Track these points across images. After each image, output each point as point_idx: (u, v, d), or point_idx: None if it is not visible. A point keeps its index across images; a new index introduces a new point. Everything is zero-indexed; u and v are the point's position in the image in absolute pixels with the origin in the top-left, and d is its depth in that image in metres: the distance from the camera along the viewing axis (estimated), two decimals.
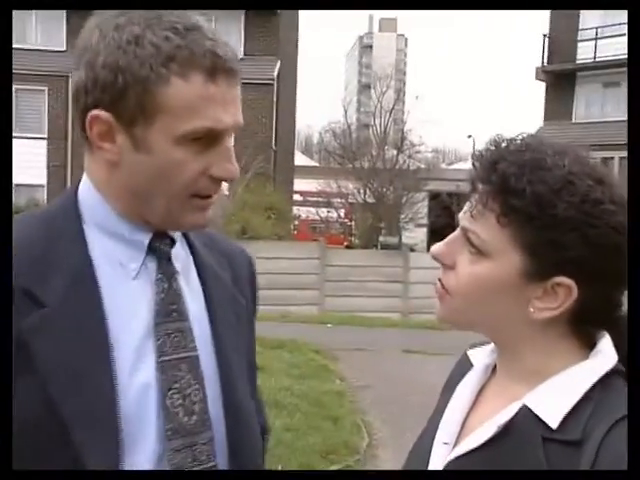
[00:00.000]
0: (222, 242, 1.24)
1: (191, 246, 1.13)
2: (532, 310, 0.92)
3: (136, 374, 0.98)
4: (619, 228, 0.89)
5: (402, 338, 9.21)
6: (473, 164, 0.97)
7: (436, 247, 0.99)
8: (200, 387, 1.03)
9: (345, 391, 6.55)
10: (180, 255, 1.09)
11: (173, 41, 0.92)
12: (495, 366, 1.04)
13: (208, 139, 0.96)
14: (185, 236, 1.12)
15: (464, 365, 1.10)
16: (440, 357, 6.65)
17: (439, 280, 0.99)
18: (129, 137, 0.95)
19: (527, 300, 0.92)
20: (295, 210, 29.10)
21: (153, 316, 1.01)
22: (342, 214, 32.20)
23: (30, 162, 19.25)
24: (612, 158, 17.89)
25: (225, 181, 1.01)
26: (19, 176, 19.01)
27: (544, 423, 0.88)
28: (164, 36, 0.92)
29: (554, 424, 0.88)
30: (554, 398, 0.90)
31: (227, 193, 14.16)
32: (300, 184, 31.64)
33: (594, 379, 0.89)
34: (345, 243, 29.90)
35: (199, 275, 1.11)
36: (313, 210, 31.57)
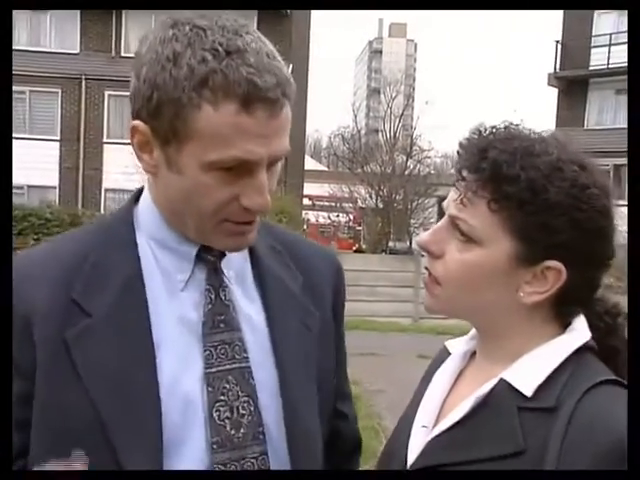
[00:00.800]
0: (300, 246, 1.19)
1: (251, 250, 1.09)
2: (522, 295, 0.95)
3: (181, 384, 0.97)
4: (604, 212, 0.93)
5: (415, 343, 9.16)
6: (458, 152, 0.98)
7: (423, 236, 1.00)
8: (250, 399, 1.00)
9: (361, 395, 6.53)
10: (234, 261, 1.06)
11: (209, 64, 0.88)
12: (474, 353, 1.06)
13: (239, 169, 0.92)
14: None
15: (442, 356, 1.12)
16: None
17: (426, 269, 1.00)
18: (163, 154, 0.94)
19: (516, 285, 0.94)
20: (303, 214, 29.09)
21: (200, 327, 1.00)
22: (351, 219, 32.18)
23: (43, 164, 19.32)
24: (624, 165, 17.84)
25: (256, 212, 0.97)
26: (32, 177, 19.07)
27: (520, 393, 0.91)
28: (202, 57, 0.88)
29: (529, 392, 0.91)
30: (529, 369, 0.93)
31: None
32: (309, 188, 31.64)
33: (568, 351, 0.93)
34: (354, 248, 29.89)
35: (257, 281, 1.08)
36: (322, 214, 31.54)
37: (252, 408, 1.00)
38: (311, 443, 1.06)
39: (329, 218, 31.42)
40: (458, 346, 1.10)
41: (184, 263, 1.02)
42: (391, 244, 28.80)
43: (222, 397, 0.98)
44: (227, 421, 0.98)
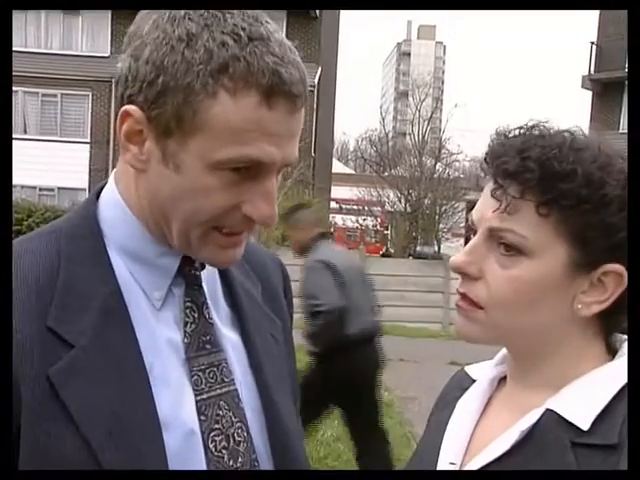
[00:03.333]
0: (250, 249, 1.04)
1: None
2: (579, 307, 0.84)
3: (178, 415, 0.86)
4: None
5: (446, 349, 9.05)
6: (487, 160, 0.86)
7: (457, 258, 0.87)
8: (242, 424, 0.91)
9: (392, 402, 6.46)
10: (205, 274, 0.95)
11: (230, 49, 0.77)
12: (500, 379, 0.96)
13: (248, 171, 0.82)
14: None
15: (461, 381, 1.01)
16: None
17: (462, 294, 0.87)
18: (159, 147, 0.82)
19: (572, 297, 0.84)
20: (330, 218, 29.10)
21: (183, 349, 0.89)
22: (378, 222, 32.11)
23: (72, 166, 19.55)
24: None
25: (258, 223, 0.85)
26: (62, 180, 19.36)
27: (572, 426, 0.80)
28: (221, 41, 0.77)
29: (585, 426, 0.79)
30: (582, 399, 0.82)
31: None
32: (337, 192, 31.64)
33: (624, 380, 0.82)
34: (381, 252, 29.82)
35: (229, 293, 0.98)
36: (348, 217, 31.55)
37: (245, 434, 0.91)
38: (299, 459, 0.99)
39: (357, 222, 31.41)
40: (483, 372, 0.98)
41: (161, 279, 0.90)
42: (418, 248, 28.65)
43: (217, 425, 0.89)
44: (224, 451, 0.89)
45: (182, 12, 0.79)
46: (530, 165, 0.82)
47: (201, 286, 0.93)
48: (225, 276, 0.99)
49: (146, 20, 0.82)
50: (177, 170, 0.81)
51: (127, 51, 0.83)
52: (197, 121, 0.79)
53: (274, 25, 0.83)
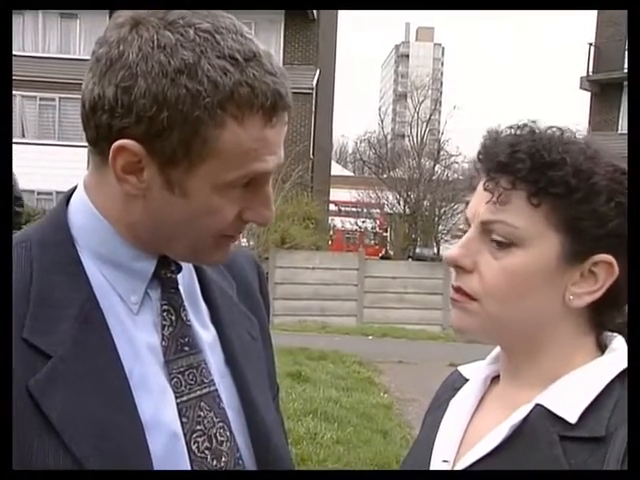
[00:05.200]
0: None
1: None
2: (571, 297, 0.85)
3: (160, 419, 0.87)
4: None
5: (445, 351, 9.05)
6: (479, 156, 0.89)
7: (452, 251, 0.89)
8: (224, 424, 0.92)
9: (392, 404, 6.47)
10: (182, 275, 0.95)
11: (232, 75, 0.78)
12: (493, 378, 0.98)
13: (250, 184, 0.85)
14: None
15: (454, 382, 1.02)
16: None
17: (456, 288, 0.88)
18: (162, 176, 0.82)
19: (563, 288, 0.86)
20: (329, 220, 29.09)
21: (162, 353, 0.90)
22: (377, 224, 32.11)
23: (71, 170, 19.47)
24: None
25: (259, 225, 0.91)
26: (60, 184, 19.23)
27: (561, 420, 0.82)
28: (222, 67, 0.78)
29: (572, 419, 0.82)
30: (570, 394, 0.85)
31: None
32: (335, 194, 31.64)
33: (612, 374, 0.85)
34: (380, 254, 29.80)
35: (203, 293, 0.98)
36: (347, 220, 31.54)
37: (228, 433, 0.92)
38: (281, 457, 1.00)
39: (355, 224, 31.39)
40: (476, 371, 0.99)
41: (137, 282, 0.90)
42: (418, 250, 28.65)
43: (199, 427, 0.89)
44: (207, 452, 0.90)
45: (172, 39, 0.78)
46: (521, 156, 0.85)
47: (177, 288, 0.94)
48: (201, 276, 0.99)
49: (123, 42, 0.80)
50: (184, 195, 0.83)
51: (107, 77, 0.80)
52: (207, 150, 0.80)
53: (252, 33, 0.84)
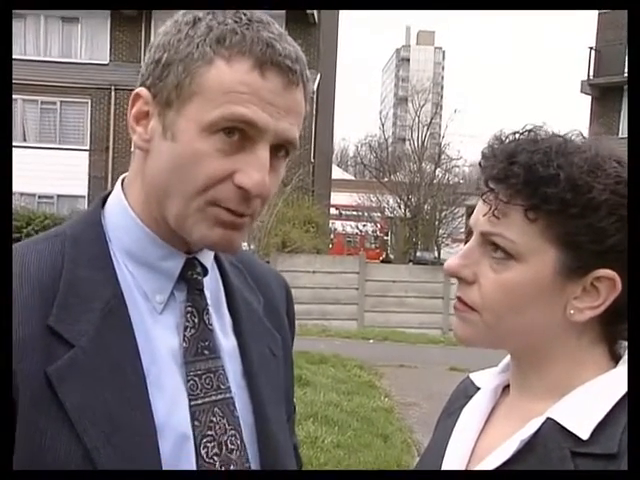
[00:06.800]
0: (254, 264, 1.09)
1: (221, 268, 1.00)
2: (572, 312, 0.83)
3: (172, 420, 0.87)
4: None
5: (446, 355, 9.05)
6: (481, 164, 0.87)
7: (452, 262, 0.88)
8: (236, 433, 0.91)
9: (393, 408, 6.46)
10: (209, 281, 0.96)
11: (228, 25, 0.84)
12: (504, 387, 0.96)
13: (240, 138, 0.83)
14: (216, 258, 0.98)
15: (466, 389, 1.01)
16: None
17: (458, 298, 0.88)
18: (161, 121, 0.86)
19: (565, 302, 0.85)
20: (330, 223, 29.09)
21: (181, 354, 0.90)
22: (378, 228, 32.10)
23: (72, 173, 19.54)
24: None
25: (250, 193, 0.84)
26: (61, 187, 19.33)
27: (572, 436, 0.80)
28: (222, 20, 0.84)
29: (584, 435, 0.79)
30: (582, 408, 0.82)
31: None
32: (336, 197, 31.65)
33: (624, 388, 0.82)
34: (381, 257, 29.81)
35: (229, 303, 0.99)
36: (347, 224, 31.54)
37: (239, 442, 0.91)
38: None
39: (356, 228, 31.39)
40: (487, 380, 0.98)
41: (164, 282, 0.91)
42: (418, 254, 28.62)
43: (210, 432, 0.89)
44: (216, 458, 0.89)
45: (200, 13, 0.86)
46: (516, 170, 0.83)
47: (203, 291, 0.94)
48: (227, 285, 0.99)
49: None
50: (174, 138, 0.84)
51: (147, 54, 0.89)
52: (194, 86, 0.83)
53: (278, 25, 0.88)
